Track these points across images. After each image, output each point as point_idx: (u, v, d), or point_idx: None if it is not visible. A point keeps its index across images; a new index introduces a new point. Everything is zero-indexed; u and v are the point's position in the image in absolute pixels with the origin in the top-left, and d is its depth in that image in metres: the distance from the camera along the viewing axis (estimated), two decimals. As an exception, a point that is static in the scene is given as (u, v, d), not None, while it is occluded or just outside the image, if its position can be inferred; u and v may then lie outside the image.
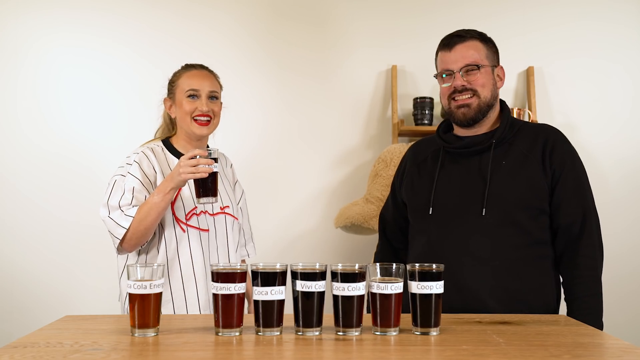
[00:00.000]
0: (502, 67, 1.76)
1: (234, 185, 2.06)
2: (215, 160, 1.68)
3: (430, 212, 1.72)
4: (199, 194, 1.69)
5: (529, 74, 2.93)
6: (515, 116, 2.80)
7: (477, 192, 1.67)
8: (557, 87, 2.97)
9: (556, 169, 1.66)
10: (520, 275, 1.62)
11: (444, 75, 1.75)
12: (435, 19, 2.99)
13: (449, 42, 1.75)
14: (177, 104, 1.88)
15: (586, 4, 2.99)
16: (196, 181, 1.68)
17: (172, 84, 1.92)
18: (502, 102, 1.80)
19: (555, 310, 1.67)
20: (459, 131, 1.78)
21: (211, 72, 1.95)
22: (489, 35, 1.79)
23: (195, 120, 1.85)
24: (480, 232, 1.64)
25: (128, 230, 1.71)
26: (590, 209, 1.67)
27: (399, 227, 1.89)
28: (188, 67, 1.93)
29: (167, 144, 1.92)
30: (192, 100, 1.85)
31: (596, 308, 1.61)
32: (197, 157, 1.66)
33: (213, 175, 1.67)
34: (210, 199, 1.69)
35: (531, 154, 1.68)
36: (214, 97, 1.89)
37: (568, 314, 1.63)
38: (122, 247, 1.75)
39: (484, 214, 1.64)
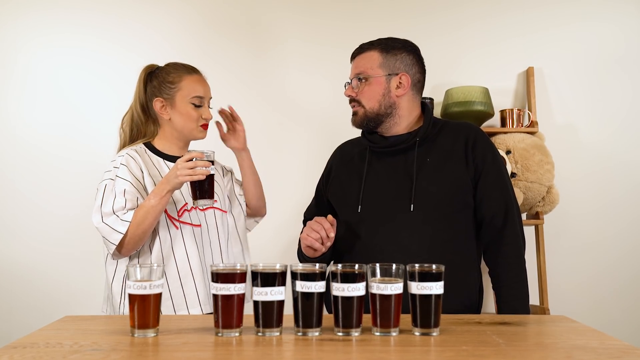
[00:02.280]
0: (405, 74, 1.80)
1: (222, 172, 2.06)
2: (212, 162, 1.70)
3: (359, 210, 1.77)
4: (196, 196, 1.70)
5: (528, 74, 2.93)
6: (515, 117, 2.82)
7: (404, 189, 1.74)
8: (557, 87, 2.97)
9: (478, 163, 1.75)
10: (448, 269, 1.68)
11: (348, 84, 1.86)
12: (435, 19, 2.99)
13: (353, 53, 1.87)
14: (176, 107, 1.86)
15: (586, 5, 2.99)
16: (192, 183, 1.69)
17: (169, 84, 1.87)
18: (424, 104, 1.87)
19: (476, 302, 1.75)
20: (382, 132, 1.85)
21: (203, 75, 1.95)
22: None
23: (200, 126, 1.89)
24: (409, 228, 1.70)
25: (125, 235, 1.70)
26: (512, 200, 1.76)
27: None
28: (189, 70, 1.90)
29: (149, 145, 1.91)
30: (196, 108, 1.87)
31: (523, 293, 1.70)
32: (195, 159, 1.67)
33: (210, 178, 1.69)
34: (207, 202, 1.71)
35: (454, 150, 1.76)
36: (210, 103, 1.93)
37: (497, 300, 1.70)
38: (120, 252, 1.75)
39: (412, 210, 1.70)
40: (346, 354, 1.09)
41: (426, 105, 1.87)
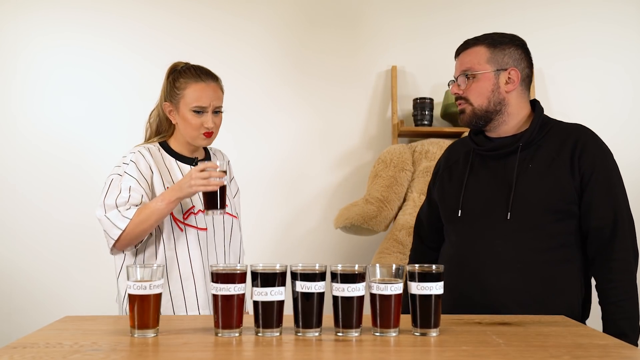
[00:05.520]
0: (514, 69, 1.72)
1: (230, 182, 2.06)
2: (225, 173, 1.71)
3: (459, 215, 1.74)
4: (208, 206, 1.71)
5: (528, 74, 2.93)
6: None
7: (502, 195, 1.68)
8: (557, 87, 2.97)
9: (585, 171, 1.64)
10: (543, 279, 1.63)
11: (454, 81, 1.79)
12: (435, 19, 2.99)
13: (457, 50, 1.79)
14: (180, 114, 1.85)
15: (586, 5, 3.00)
16: (205, 193, 1.70)
17: (176, 89, 1.86)
18: (535, 102, 1.78)
19: (579, 314, 1.66)
20: (490, 133, 1.79)
21: (217, 81, 1.90)
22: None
23: (202, 134, 1.86)
24: (504, 237, 1.65)
25: (123, 231, 1.71)
26: (622, 211, 1.65)
27: (433, 227, 1.91)
28: (197, 77, 1.86)
29: (163, 144, 1.91)
30: (198, 116, 1.84)
31: (632, 312, 1.60)
32: (208, 169, 1.68)
33: (222, 188, 1.70)
34: (218, 211, 1.72)
35: (559, 156, 1.67)
36: (218, 111, 1.89)
37: (603, 317, 1.61)
38: (114, 246, 1.76)
39: (508, 218, 1.65)
40: (346, 354, 1.09)
41: (537, 104, 1.78)
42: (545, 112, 2.91)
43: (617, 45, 2.98)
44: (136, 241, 1.76)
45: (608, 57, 2.98)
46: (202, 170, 1.67)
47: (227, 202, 1.93)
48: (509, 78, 1.73)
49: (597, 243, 1.64)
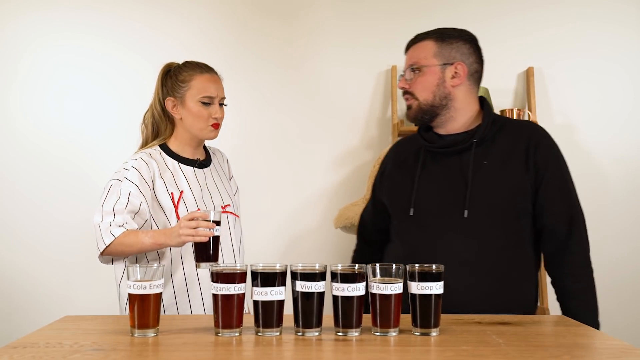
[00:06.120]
0: (461, 64, 1.70)
1: (230, 180, 2.05)
2: (218, 223, 1.60)
3: (411, 213, 1.71)
4: (198, 258, 1.61)
5: (528, 74, 2.93)
6: (515, 117, 2.81)
7: (458, 193, 1.66)
8: (557, 87, 2.97)
9: (540, 168, 1.64)
10: (500, 277, 1.62)
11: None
12: (434, 19, 2.98)
13: (407, 44, 1.80)
14: (186, 107, 1.85)
15: (586, 5, 2.99)
16: (195, 243, 1.60)
17: (180, 82, 1.86)
18: (483, 99, 1.77)
19: (533, 311, 1.67)
20: (438, 129, 1.77)
21: (218, 74, 1.92)
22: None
23: (211, 125, 1.86)
24: (461, 234, 1.63)
25: (107, 247, 1.71)
26: (576, 206, 1.67)
27: (377, 228, 1.89)
28: (200, 69, 1.88)
29: (163, 146, 1.90)
30: (205, 107, 1.84)
31: (593, 304, 1.62)
32: (198, 219, 1.59)
33: (214, 240, 1.60)
34: (209, 264, 1.59)
35: (514, 152, 1.66)
36: (222, 103, 1.90)
37: (564, 313, 1.62)
38: (102, 255, 1.76)
39: (465, 216, 1.63)
40: (346, 354, 1.10)
41: (485, 101, 1.77)
42: (545, 112, 2.95)
43: (617, 45, 2.98)
44: (119, 257, 1.77)
45: (608, 57, 2.97)
46: (190, 220, 1.59)
47: (229, 201, 1.93)
48: (455, 72, 1.71)
49: (554, 240, 1.65)
